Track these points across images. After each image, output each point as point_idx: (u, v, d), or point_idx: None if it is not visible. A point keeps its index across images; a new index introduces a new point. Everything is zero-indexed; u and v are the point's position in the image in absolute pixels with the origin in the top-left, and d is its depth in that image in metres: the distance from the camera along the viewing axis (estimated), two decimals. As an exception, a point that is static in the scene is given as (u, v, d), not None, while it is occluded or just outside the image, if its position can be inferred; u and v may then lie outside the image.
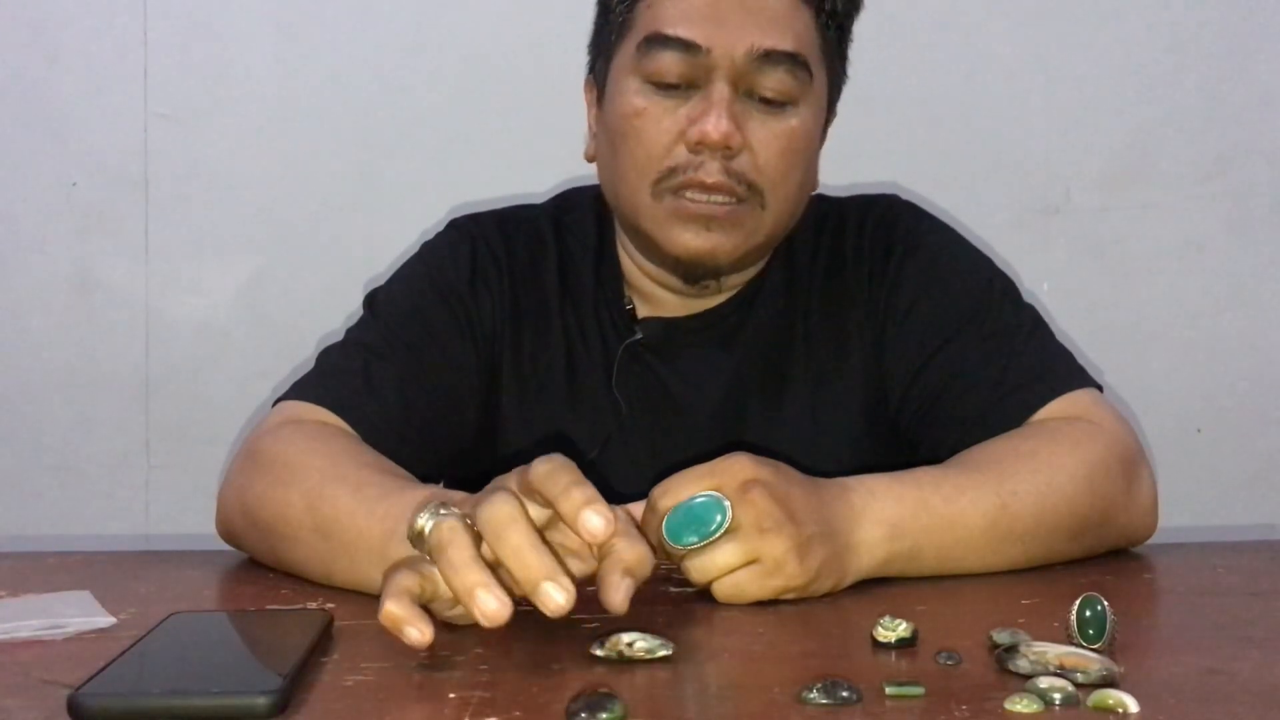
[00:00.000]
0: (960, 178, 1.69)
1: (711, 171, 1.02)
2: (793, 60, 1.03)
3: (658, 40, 1.03)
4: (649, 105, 1.04)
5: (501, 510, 0.67)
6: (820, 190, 1.21)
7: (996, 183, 1.71)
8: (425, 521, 0.69)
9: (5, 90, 1.64)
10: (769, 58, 1.02)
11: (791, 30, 1.04)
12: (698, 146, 1.02)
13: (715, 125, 1.01)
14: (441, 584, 0.68)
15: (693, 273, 1.08)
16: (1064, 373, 1.05)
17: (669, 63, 1.03)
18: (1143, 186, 1.72)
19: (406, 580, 0.68)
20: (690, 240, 1.04)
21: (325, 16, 1.67)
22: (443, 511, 0.69)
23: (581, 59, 1.19)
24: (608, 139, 1.09)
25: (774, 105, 1.04)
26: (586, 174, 1.23)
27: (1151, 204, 1.72)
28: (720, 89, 1.02)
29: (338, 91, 1.67)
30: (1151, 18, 1.71)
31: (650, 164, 1.04)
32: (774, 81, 1.03)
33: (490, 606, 0.64)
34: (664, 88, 1.04)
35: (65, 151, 1.65)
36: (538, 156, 1.61)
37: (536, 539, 0.66)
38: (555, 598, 0.64)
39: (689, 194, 1.03)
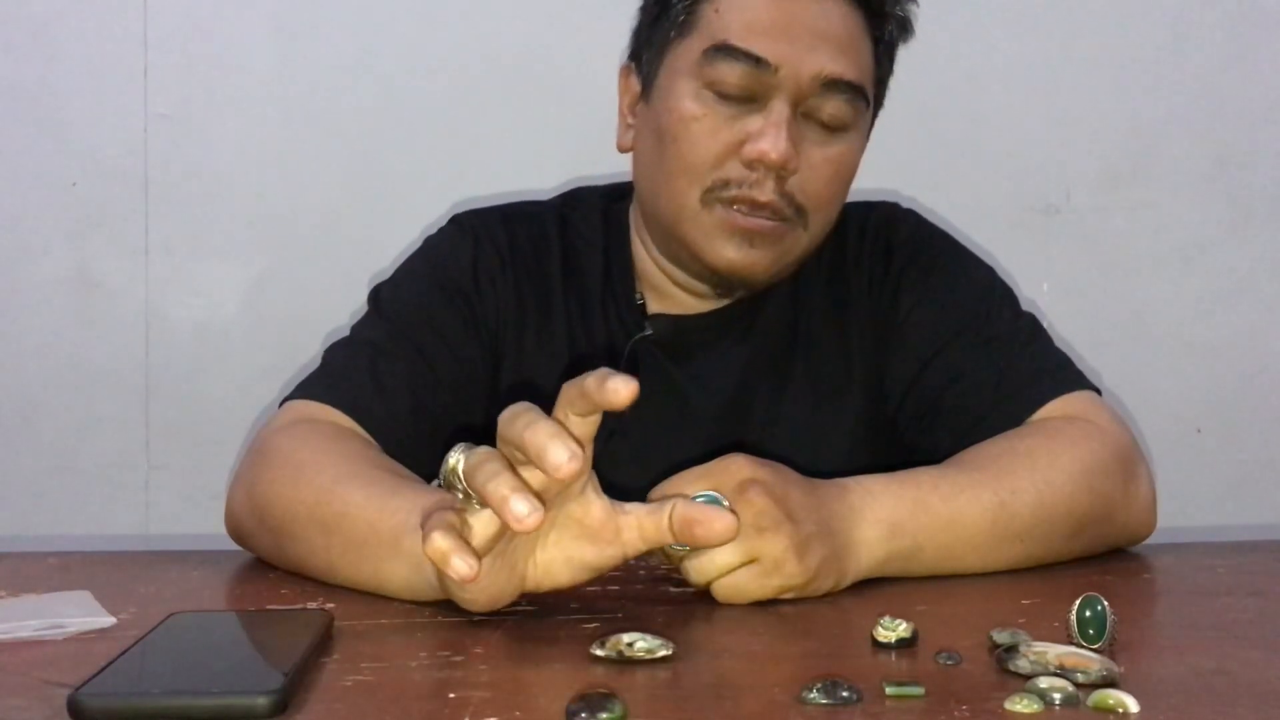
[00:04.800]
0: (960, 178, 1.69)
1: (766, 190, 1.01)
2: (854, 90, 1.03)
3: (725, 50, 1.02)
4: (706, 112, 1.03)
5: (516, 407, 0.69)
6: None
7: (996, 183, 1.71)
8: (457, 457, 0.70)
9: (5, 90, 1.64)
10: (833, 85, 1.02)
11: (856, 58, 1.04)
12: (754, 163, 1.01)
13: (774, 145, 1.00)
14: (474, 530, 0.68)
15: (727, 284, 1.09)
16: (1061, 375, 1.05)
17: (734, 74, 1.01)
18: (1143, 186, 1.72)
19: (450, 516, 0.68)
20: (733, 254, 1.04)
21: (325, 16, 1.67)
22: (474, 447, 0.70)
23: (586, 56, 1.18)
24: (654, 137, 1.07)
25: (829, 130, 1.04)
26: (591, 173, 1.23)
27: (1151, 204, 1.72)
28: (781, 109, 1.01)
29: (338, 90, 1.67)
30: (1151, 17, 1.70)
31: (702, 171, 1.03)
32: (833, 108, 1.03)
33: (521, 510, 0.64)
34: (723, 97, 1.03)
35: (65, 151, 1.65)
36: (541, 154, 1.61)
37: (545, 417, 0.68)
38: (558, 454, 0.65)
39: (737, 207, 1.03)
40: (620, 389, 0.66)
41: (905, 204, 1.20)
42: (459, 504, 0.70)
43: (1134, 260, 1.72)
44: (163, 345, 1.67)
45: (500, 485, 0.65)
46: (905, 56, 1.69)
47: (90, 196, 1.65)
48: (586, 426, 0.70)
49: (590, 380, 0.67)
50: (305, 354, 1.39)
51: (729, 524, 0.73)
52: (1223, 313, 1.73)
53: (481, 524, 0.69)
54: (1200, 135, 1.71)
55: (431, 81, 1.67)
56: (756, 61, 1.01)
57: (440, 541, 0.66)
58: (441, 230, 1.19)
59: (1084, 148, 1.71)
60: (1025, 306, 1.13)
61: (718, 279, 1.08)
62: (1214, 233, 1.72)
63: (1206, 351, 1.73)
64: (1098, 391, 1.06)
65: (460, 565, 0.66)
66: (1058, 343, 1.11)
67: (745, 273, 1.06)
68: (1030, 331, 1.10)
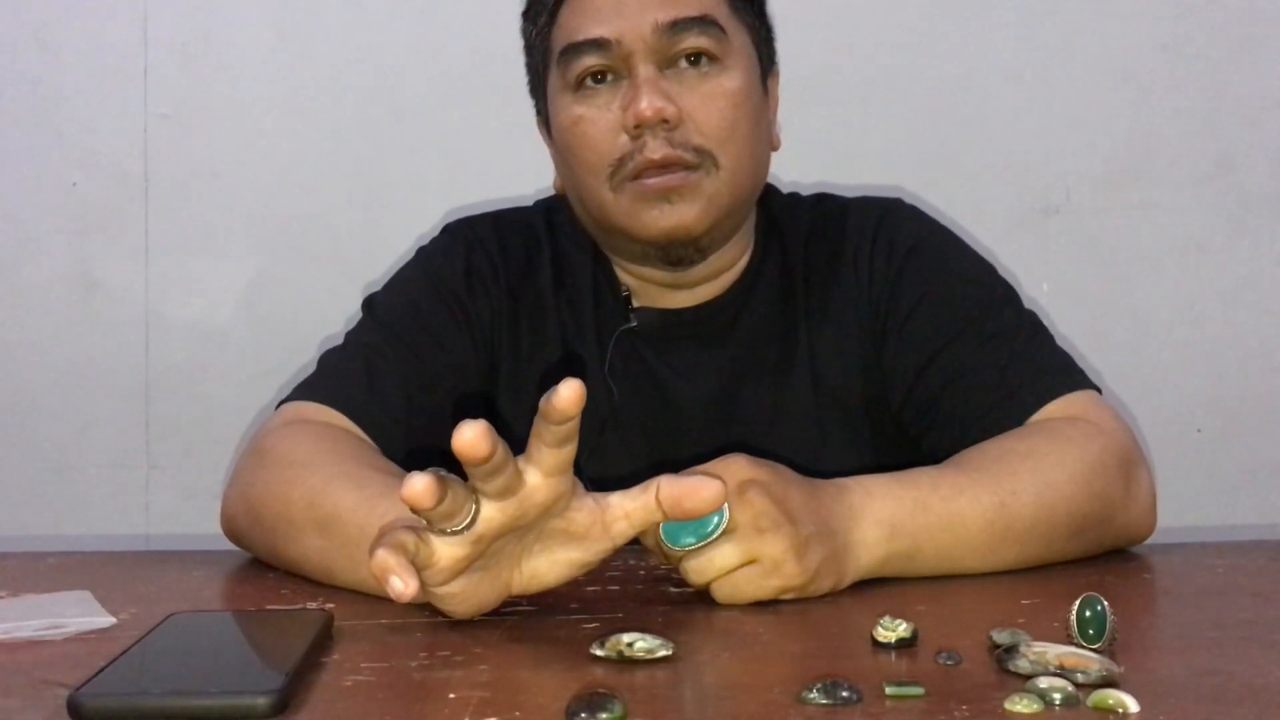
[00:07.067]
0: (960, 178, 1.69)
1: (656, 148, 1.03)
2: (702, 22, 1.05)
3: (572, 50, 1.06)
4: (585, 110, 1.06)
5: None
6: (823, 190, 1.21)
7: (996, 183, 1.71)
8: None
9: (5, 90, 1.64)
10: (677, 26, 1.04)
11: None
12: (637, 130, 1.04)
13: (648, 103, 1.03)
14: (436, 552, 0.69)
15: (672, 253, 1.08)
16: (1063, 374, 1.05)
17: (588, 63, 1.06)
18: (1143, 186, 1.72)
19: (403, 535, 0.69)
20: (658, 219, 1.05)
21: (325, 17, 1.67)
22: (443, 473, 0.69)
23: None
24: (562, 160, 1.12)
25: (700, 65, 1.06)
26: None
27: (1151, 204, 1.72)
28: (643, 70, 1.04)
29: (338, 92, 1.67)
30: (1151, 18, 1.70)
31: (601, 160, 1.06)
32: (690, 43, 1.05)
33: (397, 587, 0.67)
34: (592, 88, 1.06)
35: (65, 151, 1.65)
36: (536, 159, 1.60)
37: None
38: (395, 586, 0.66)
39: (642, 176, 1.04)
40: (561, 392, 0.66)
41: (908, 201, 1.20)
42: (422, 530, 0.70)
43: (1134, 260, 1.72)
44: (163, 345, 1.67)
45: (386, 555, 0.67)
46: (907, 56, 1.70)
47: (90, 196, 1.65)
48: (560, 456, 0.69)
49: (541, 404, 0.67)
50: (305, 354, 1.39)
51: (716, 489, 0.72)
52: (1223, 313, 1.72)
53: (447, 547, 0.69)
54: (1200, 135, 1.71)
55: (431, 83, 1.67)
56: (598, 45, 1.05)
57: (384, 556, 0.67)
58: (434, 239, 1.20)
59: (1084, 148, 1.71)
60: (1026, 305, 1.13)
61: (660, 251, 1.08)
62: (1214, 233, 1.72)
63: (1206, 351, 1.72)
64: (1099, 391, 1.05)
65: (397, 584, 0.66)
66: (1058, 342, 1.11)
67: (680, 233, 1.06)
68: (1031, 330, 1.10)
